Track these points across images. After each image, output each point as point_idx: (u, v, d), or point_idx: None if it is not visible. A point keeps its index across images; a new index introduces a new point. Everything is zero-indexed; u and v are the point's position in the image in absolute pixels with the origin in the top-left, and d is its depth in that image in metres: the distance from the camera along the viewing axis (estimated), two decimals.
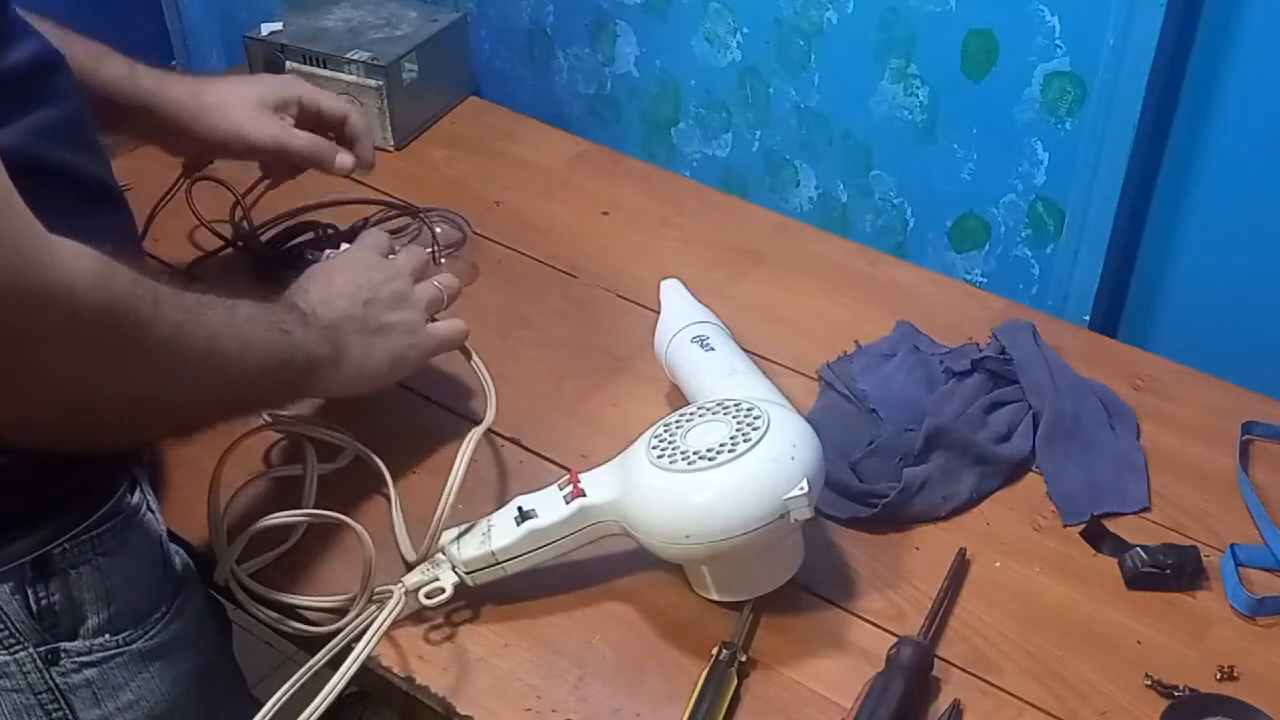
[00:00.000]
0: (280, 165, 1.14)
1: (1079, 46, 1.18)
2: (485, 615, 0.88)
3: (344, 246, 1.03)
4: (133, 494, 0.81)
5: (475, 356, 0.99)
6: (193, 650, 0.85)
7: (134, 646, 0.80)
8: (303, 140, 1.10)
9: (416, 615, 0.87)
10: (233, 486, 0.93)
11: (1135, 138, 1.17)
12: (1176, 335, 1.28)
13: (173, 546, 0.86)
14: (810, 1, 1.33)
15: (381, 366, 0.90)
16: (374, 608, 0.84)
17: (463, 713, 0.82)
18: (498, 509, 0.89)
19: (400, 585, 0.85)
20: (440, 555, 0.87)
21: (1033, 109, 1.23)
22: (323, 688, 0.78)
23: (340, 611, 0.86)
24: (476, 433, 0.92)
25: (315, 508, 0.92)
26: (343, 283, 0.90)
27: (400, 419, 1.04)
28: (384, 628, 0.82)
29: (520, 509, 0.87)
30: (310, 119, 1.12)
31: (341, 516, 0.87)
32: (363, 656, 0.80)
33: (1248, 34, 1.12)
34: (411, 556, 0.89)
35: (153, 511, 0.84)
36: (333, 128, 1.13)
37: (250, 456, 0.97)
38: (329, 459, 0.97)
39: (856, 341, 1.13)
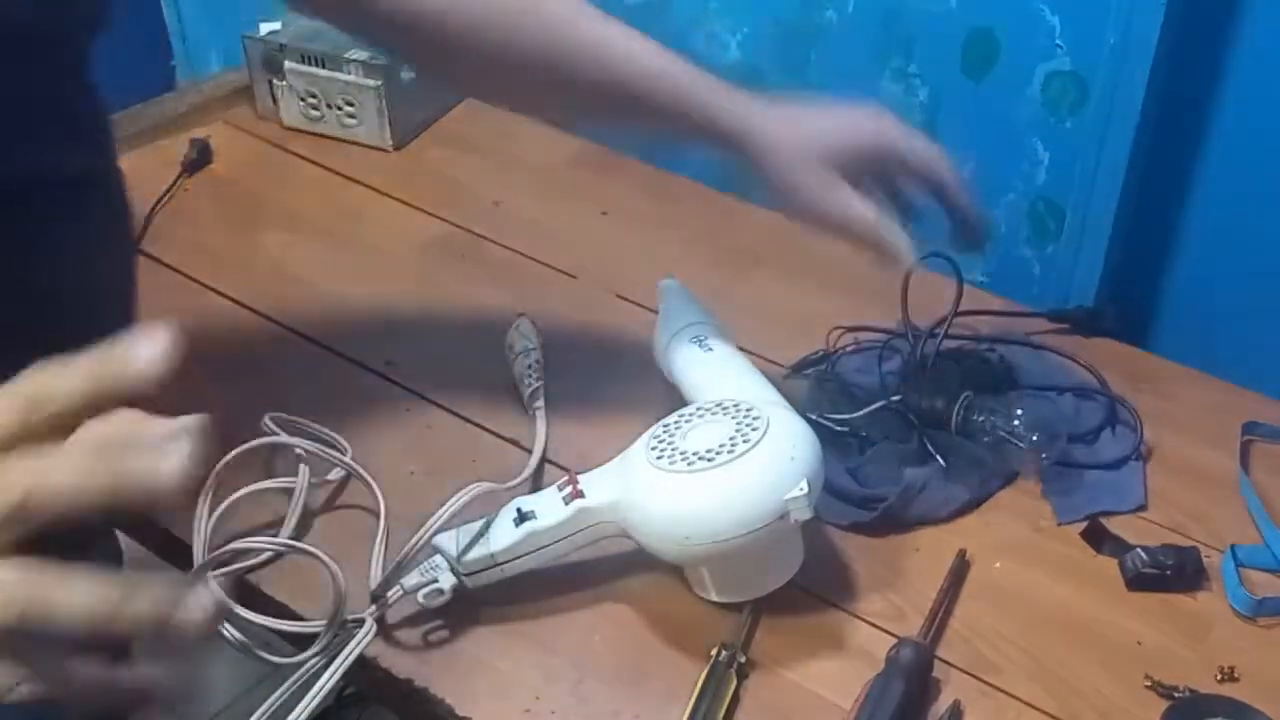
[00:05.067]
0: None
1: (1079, 46, 1.18)
2: (484, 616, 0.88)
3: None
4: None
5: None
6: None
7: None
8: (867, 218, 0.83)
9: (416, 616, 0.87)
10: (235, 489, 0.92)
11: (1135, 138, 1.17)
12: (1176, 335, 1.28)
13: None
14: (810, 1, 1.33)
15: None
16: (341, 638, 0.83)
17: (461, 714, 0.82)
18: (497, 510, 0.89)
19: (370, 612, 0.84)
20: (439, 556, 0.87)
21: (1033, 109, 1.23)
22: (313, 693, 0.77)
23: (310, 638, 0.83)
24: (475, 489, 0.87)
25: (302, 525, 0.92)
26: None
27: (403, 419, 1.05)
28: (348, 661, 0.81)
29: (519, 510, 0.86)
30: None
31: (313, 550, 0.84)
32: (324, 689, 0.79)
33: (1248, 34, 1.12)
34: (374, 586, 0.86)
35: None
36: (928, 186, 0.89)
37: (254, 460, 0.96)
38: (328, 469, 0.96)
39: (856, 341, 1.13)
